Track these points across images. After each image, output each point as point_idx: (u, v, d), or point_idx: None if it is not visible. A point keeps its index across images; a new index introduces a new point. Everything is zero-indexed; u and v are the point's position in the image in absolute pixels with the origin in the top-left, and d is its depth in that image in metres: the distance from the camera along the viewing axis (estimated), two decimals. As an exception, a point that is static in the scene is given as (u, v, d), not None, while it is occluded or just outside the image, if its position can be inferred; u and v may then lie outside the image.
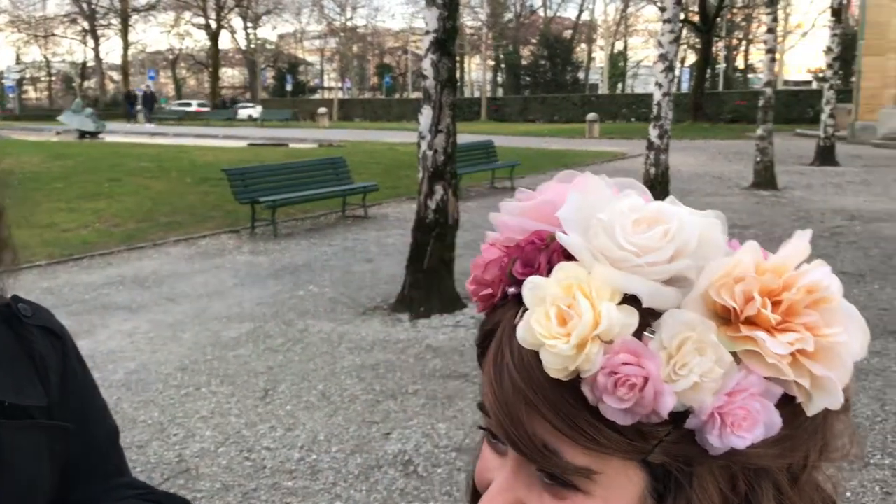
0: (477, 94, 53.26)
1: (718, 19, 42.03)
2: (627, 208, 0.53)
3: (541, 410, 0.52)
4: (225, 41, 72.15)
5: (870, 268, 8.30)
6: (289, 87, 60.86)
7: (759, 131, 14.37)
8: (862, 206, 12.35)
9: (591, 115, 30.10)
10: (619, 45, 61.84)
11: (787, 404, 0.51)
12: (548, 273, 0.53)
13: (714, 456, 0.51)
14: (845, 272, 8.11)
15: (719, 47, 50.91)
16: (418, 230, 6.91)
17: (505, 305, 0.57)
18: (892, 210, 12.02)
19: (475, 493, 0.71)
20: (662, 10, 10.23)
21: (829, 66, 18.02)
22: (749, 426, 0.49)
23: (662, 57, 10.36)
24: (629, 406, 0.49)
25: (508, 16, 60.04)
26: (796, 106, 35.14)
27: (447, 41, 6.58)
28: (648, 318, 0.50)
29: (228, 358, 5.79)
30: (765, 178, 14.39)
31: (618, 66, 59.76)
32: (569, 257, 0.53)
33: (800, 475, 0.55)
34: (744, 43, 56.37)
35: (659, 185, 10.59)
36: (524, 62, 60.24)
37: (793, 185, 14.75)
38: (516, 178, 15.74)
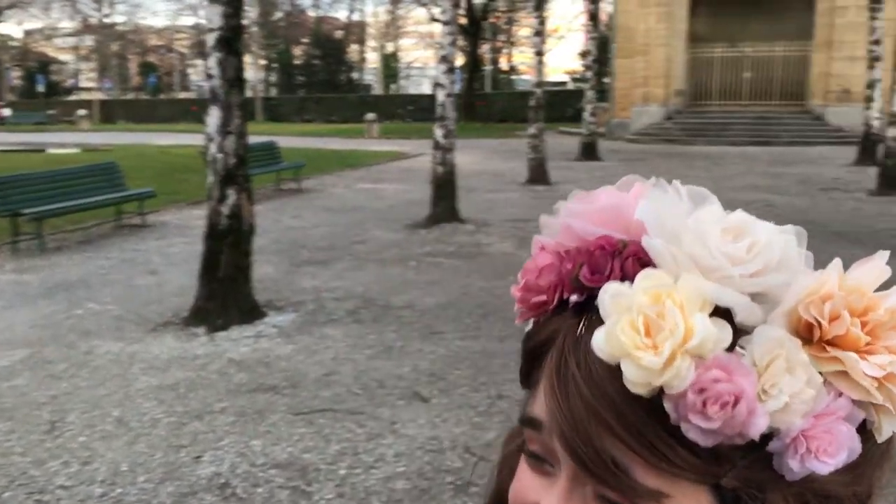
0: (250, 94, 51.89)
1: (483, 22, 43.91)
2: (715, 217, 0.49)
3: (613, 427, 0.48)
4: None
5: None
6: (41, 88, 55.94)
7: (531, 130, 15.15)
8: (627, 197, 13.39)
9: (370, 116, 30.36)
10: (390, 46, 62.80)
11: (861, 430, 0.49)
12: (620, 280, 0.49)
13: (789, 482, 0.49)
14: (621, 259, 8.76)
15: (485, 50, 53.16)
16: (211, 238, 6.56)
17: (561, 314, 0.54)
18: (652, 200, 13.12)
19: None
20: (434, 19, 10.44)
21: (589, 67, 19.39)
22: (834, 451, 0.48)
23: (443, 58, 10.61)
24: (717, 426, 0.46)
25: (279, 14, 59.02)
26: (557, 105, 37.45)
27: (233, 39, 6.30)
28: (738, 332, 0.47)
29: (2, 390, 5.17)
30: (538, 174, 15.20)
31: (391, 66, 60.67)
32: (643, 265, 0.50)
33: (865, 502, 0.53)
34: (508, 45, 59.30)
35: (447, 184, 10.84)
36: (297, 62, 59.53)
37: (563, 180, 15.69)
38: (302, 179, 15.49)
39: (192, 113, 42.17)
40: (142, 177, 14.71)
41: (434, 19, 38.59)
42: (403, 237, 10.23)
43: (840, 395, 0.48)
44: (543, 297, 0.55)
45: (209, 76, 6.35)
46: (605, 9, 30.31)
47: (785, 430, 0.47)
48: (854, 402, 0.48)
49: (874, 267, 0.50)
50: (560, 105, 37.70)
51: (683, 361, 0.45)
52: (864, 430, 0.49)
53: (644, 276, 0.48)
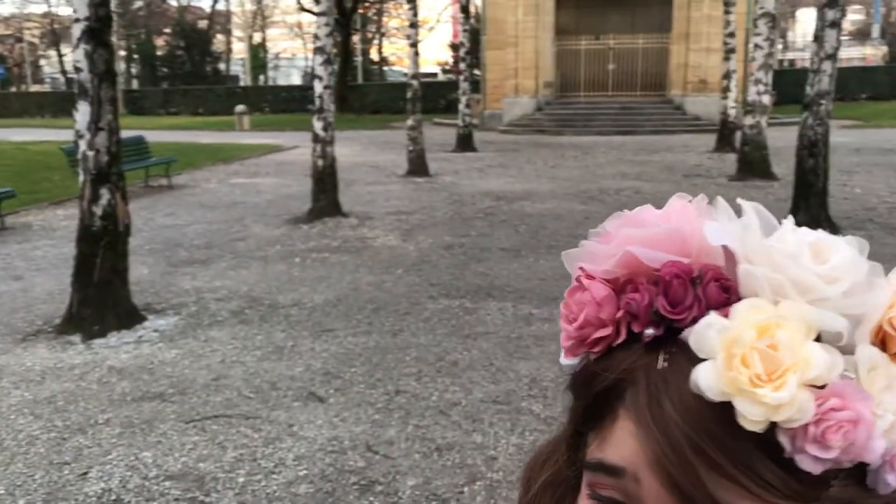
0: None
1: (353, 13, 43.50)
2: (798, 236, 0.49)
3: (718, 464, 0.46)
4: None
5: (522, 243, 9.18)
6: None
7: (410, 122, 15.16)
8: (504, 188, 13.62)
9: (240, 107, 29.55)
10: (257, 37, 61.25)
11: None
12: (704, 310, 0.48)
13: (879, 495, 0.49)
14: (504, 248, 8.90)
15: (356, 41, 52.72)
16: (84, 240, 6.21)
17: (629, 349, 0.51)
18: (529, 189, 13.41)
19: None
20: (304, 9, 10.26)
21: (462, 59, 19.56)
22: None
23: (320, 49, 10.43)
24: (836, 455, 0.45)
25: (139, 3, 56.45)
26: (430, 97, 37.63)
27: (101, 30, 5.98)
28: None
29: None
30: (418, 165, 15.24)
31: (258, 57, 59.22)
32: (726, 291, 0.48)
33: None
34: (378, 36, 59.05)
35: (328, 177, 10.69)
36: (160, 52, 57.14)
37: (442, 172, 15.80)
38: (173, 175, 14.90)
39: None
40: (-4, 176, 13.78)
41: (303, 9, 37.95)
42: (285, 233, 10.03)
43: None
44: (608, 331, 0.52)
45: (77, 69, 5.99)
46: (475, 1, 30.64)
47: (889, 448, 0.47)
48: None
49: None
50: (433, 96, 37.87)
51: (803, 394, 0.44)
52: None
53: (748, 306, 0.47)
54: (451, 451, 4.16)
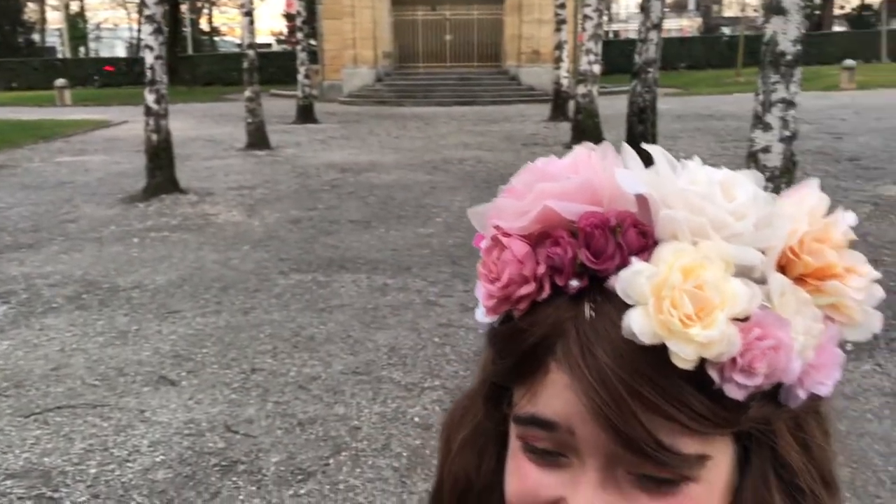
0: None
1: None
2: (706, 175, 0.50)
3: (653, 402, 0.48)
4: None
5: (372, 214, 9.17)
6: None
7: (247, 93, 14.71)
8: (349, 160, 13.52)
9: (61, 81, 27.56)
10: (75, 6, 57.21)
11: None
12: (627, 257, 0.49)
13: (790, 409, 0.52)
14: (354, 220, 8.85)
15: (184, 10, 50.31)
16: None
17: (554, 302, 0.51)
18: (374, 161, 13.38)
19: (462, 496, 0.63)
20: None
21: (299, 28, 19.14)
22: (832, 373, 0.52)
23: (149, 18, 9.90)
24: (760, 381, 0.48)
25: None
26: (265, 68, 36.57)
27: None
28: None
29: None
30: (258, 138, 14.83)
31: (78, 27, 55.37)
32: (645, 237, 0.50)
33: (829, 418, 0.58)
34: (207, 6, 56.67)
35: (163, 152, 10.21)
36: (-38, 22, 52.25)
37: (284, 144, 15.46)
38: (-13, 155, 13.75)
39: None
40: None
41: (124, -24, 35.78)
42: (120, 212, 9.51)
43: (832, 321, 0.52)
44: (531, 287, 0.52)
45: None
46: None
47: (800, 367, 0.50)
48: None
49: (817, 197, 0.54)
50: (269, 67, 36.84)
51: (730, 329, 0.46)
52: None
53: (673, 250, 0.48)
54: (314, 424, 4.13)
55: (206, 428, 4.12)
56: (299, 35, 19.03)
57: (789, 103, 5.37)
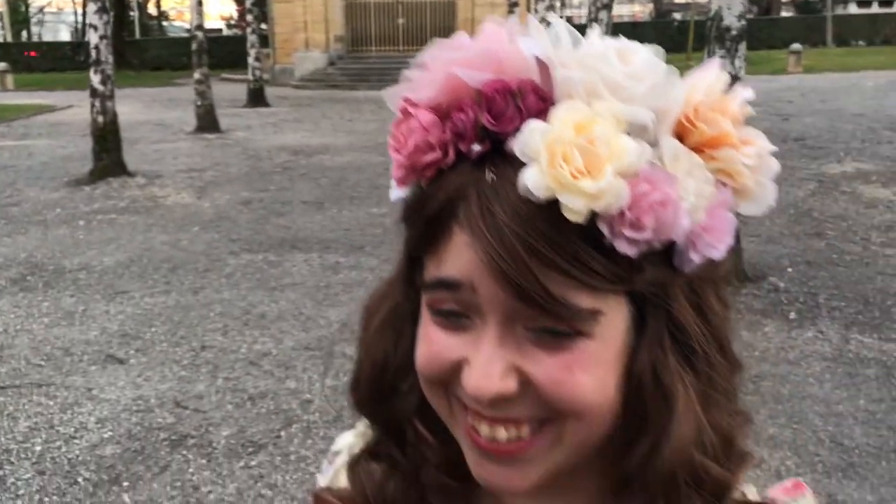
0: None
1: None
2: (603, 42, 0.52)
3: (548, 257, 0.49)
4: None
5: (325, 196, 9.11)
6: None
7: (197, 75, 14.48)
8: (301, 142, 13.40)
9: (2, 65, 26.85)
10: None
11: None
12: (526, 120, 0.50)
13: (683, 274, 0.54)
14: (306, 202, 8.79)
15: (131, -7, 49.22)
16: None
17: (458, 168, 0.53)
18: (327, 143, 13.29)
19: (377, 384, 0.64)
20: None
21: (249, 11, 18.88)
22: (723, 237, 0.53)
23: (93, -4, 9.67)
24: (648, 235, 0.49)
25: None
26: (216, 52, 35.97)
27: None
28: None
29: None
30: (207, 121, 14.61)
31: (19, 11, 53.85)
32: (544, 101, 0.51)
33: (727, 277, 0.60)
34: (155, -11, 55.52)
35: (110, 134, 10.00)
36: None
37: (234, 127, 15.26)
38: (-75, 139, 13.32)
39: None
40: None
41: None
42: (66, 195, 9.31)
43: (723, 186, 0.54)
44: (437, 154, 0.53)
45: None
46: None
47: (691, 227, 0.52)
48: (733, 191, 0.54)
49: (716, 73, 0.55)
50: (219, 52, 36.18)
51: (618, 182, 0.48)
52: None
53: (566, 108, 0.49)
54: (265, 398, 4.11)
55: (156, 404, 4.08)
56: (249, 18, 18.77)
57: (734, 78, 5.45)
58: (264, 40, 27.34)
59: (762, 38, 34.28)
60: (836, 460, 3.51)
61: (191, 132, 14.63)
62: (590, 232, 0.50)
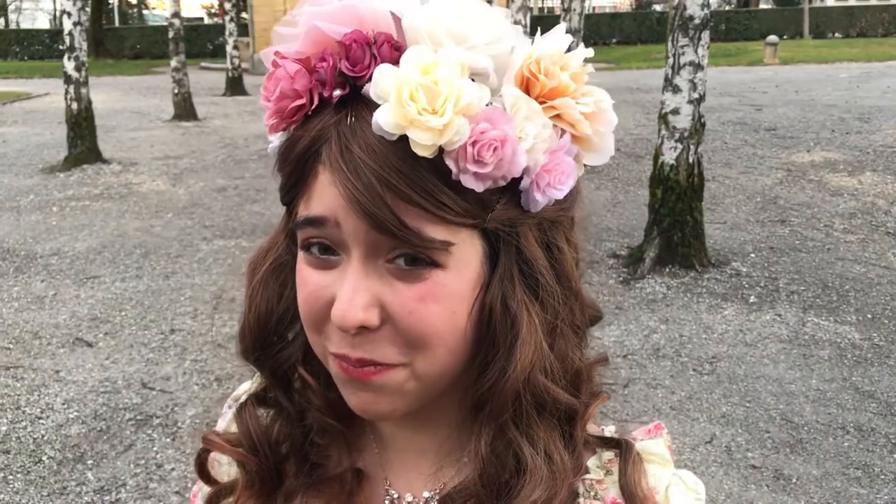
0: None
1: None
2: (455, 1, 0.58)
3: (402, 191, 0.55)
4: None
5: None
6: None
7: (174, 63, 14.40)
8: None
9: (-23, 53, 26.49)
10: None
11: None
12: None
13: (531, 214, 0.60)
14: (280, 189, 8.80)
15: (109, -20, 48.73)
16: None
17: (321, 113, 0.58)
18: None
19: (260, 329, 0.68)
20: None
21: (228, 0, 18.76)
22: (565, 179, 0.60)
23: (65, -17, 9.62)
24: (490, 170, 0.55)
25: None
26: (196, 41, 35.81)
27: None
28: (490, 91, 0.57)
29: None
30: (185, 109, 14.55)
31: (-4, -3, 53.14)
32: (397, 50, 0.56)
33: (573, 222, 0.66)
34: (134, -24, 54.98)
35: (84, 122, 9.97)
36: None
37: (212, 116, 15.19)
38: None
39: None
40: None
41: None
42: (39, 182, 9.28)
43: (563, 133, 0.60)
44: (302, 101, 0.58)
45: None
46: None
47: (532, 167, 0.58)
48: (573, 138, 0.60)
49: (560, 36, 0.61)
50: (199, 41, 36.01)
51: (460, 119, 0.54)
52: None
53: (412, 53, 0.55)
54: (232, 380, 4.16)
55: (122, 385, 4.13)
56: (227, 7, 18.66)
57: (697, 66, 5.55)
58: (244, 29, 27.20)
59: (740, 29, 34.47)
60: (785, 436, 3.63)
61: (168, 120, 14.56)
62: (440, 168, 0.55)
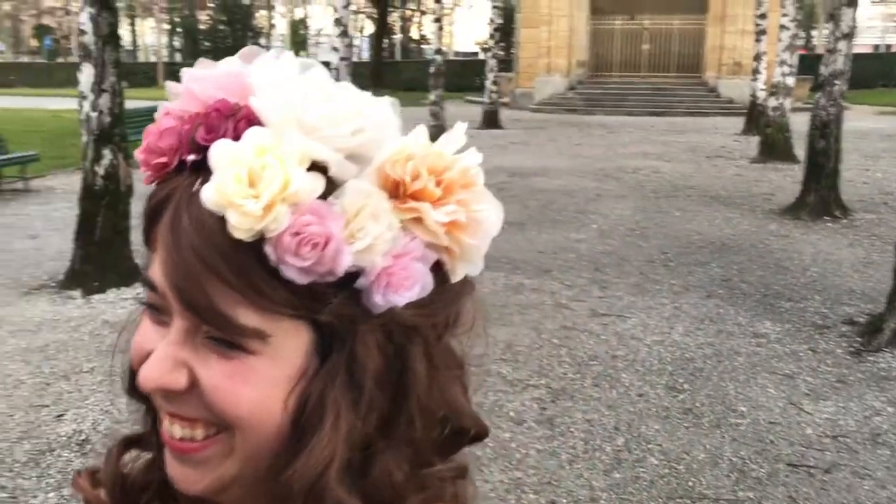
0: (153, 59, 50.17)
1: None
2: (318, 82, 0.56)
3: (220, 272, 0.53)
4: None
5: (528, 217, 9.22)
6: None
7: (432, 96, 15.21)
8: (521, 164, 13.63)
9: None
10: (299, 13, 61.55)
11: (437, 272, 0.57)
12: (234, 140, 0.55)
13: (375, 315, 0.56)
14: (509, 222, 8.85)
15: (395, 18, 52.72)
16: (86, 199, 6.42)
17: (180, 174, 0.57)
18: (546, 166, 13.41)
19: (133, 372, 0.68)
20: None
21: (491, 36, 19.51)
22: (409, 286, 0.55)
23: (337, 21, 10.53)
24: (309, 265, 0.52)
25: (181, -23, 57.02)
26: (466, 75, 37.56)
27: (105, -6, 6.14)
28: (332, 185, 0.54)
29: None
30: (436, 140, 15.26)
31: (298, 33, 59.51)
32: (251, 125, 0.55)
33: (443, 334, 0.62)
34: (418, 14, 58.95)
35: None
36: (202, 27, 57.75)
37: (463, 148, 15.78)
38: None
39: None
40: (29, 141, 14.11)
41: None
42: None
43: (415, 238, 0.56)
44: (164, 159, 0.58)
45: (82, 32, 6.17)
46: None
47: (369, 269, 0.54)
48: (428, 245, 0.56)
49: (454, 136, 0.58)
50: (469, 74, 37.75)
51: (281, 208, 0.51)
52: (440, 270, 0.58)
53: (250, 133, 0.54)
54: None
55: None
56: (490, 43, 19.38)
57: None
58: (508, 64, 28.11)
59: None
60: None
61: (422, 150, 15.35)
62: (262, 253, 0.53)
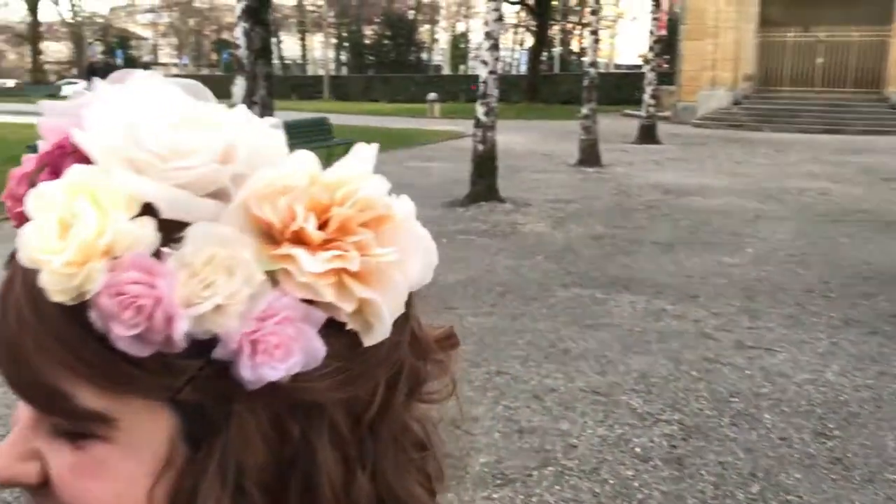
0: (321, 73, 52.51)
1: (554, 3, 43.36)
2: (165, 108, 0.45)
3: (48, 345, 0.44)
4: (50, 13, 67.51)
5: (678, 238, 8.79)
6: (119, 62, 57.72)
7: (584, 110, 14.93)
8: (676, 182, 13.09)
9: (432, 95, 30.37)
10: (460, 27, 62.60)
11: (343, 333, 0.45)
12: None
13: (254, 392, 0.44)
14: (656, 242, 8.56)
15: (555, 31, 52.48)
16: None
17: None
18: (703, 184, 12.81)
19: None
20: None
21: (651, 48, 18.97)
22: (283, 355, 0.43)
23: (487, 35, 10.50)
24: (139, 332, 0.41)
25: (350, -6, 59.43)
26: (626, 88, 36.77)
27: (259, 9, 6.37)
28: (174, 231, 0.43)
29: None
30: (589, 155, 14.97)
31: (459, 47, 60.49)
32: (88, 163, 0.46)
33: (362, 414, 0.49)
34: (578, 27, 58.48)
35: (488, 162, 10.77)
36: (367, 41, 59.90)
37: (616, 162, 15.42)
38: (352, 156, 15.57)
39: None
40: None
41: (502, -1, 38.23)
42: (441, 214, 10.20)
43: (287, 294, 0.44)
44: (11, 204, 0.49)
45: (235, 46, 6.43)
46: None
47: (224, 335, 0.43)
48: (311, 302, 0.44)
49: (354, 160, 0.47)
50: (629, 88, 36.97)
51: (96, 263, 0.41)
52: (348, 333, 0.46)
53: (69, 172, 0.44)
54: (533, 434, 4.09)
55: (433, 419, 4.28)
56: (649, 55, 18.84)
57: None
58: (670, 77, 27.27)
59: None
60: None
61: (572, 165, 15.11)
62: (89, 320, 0.43)
